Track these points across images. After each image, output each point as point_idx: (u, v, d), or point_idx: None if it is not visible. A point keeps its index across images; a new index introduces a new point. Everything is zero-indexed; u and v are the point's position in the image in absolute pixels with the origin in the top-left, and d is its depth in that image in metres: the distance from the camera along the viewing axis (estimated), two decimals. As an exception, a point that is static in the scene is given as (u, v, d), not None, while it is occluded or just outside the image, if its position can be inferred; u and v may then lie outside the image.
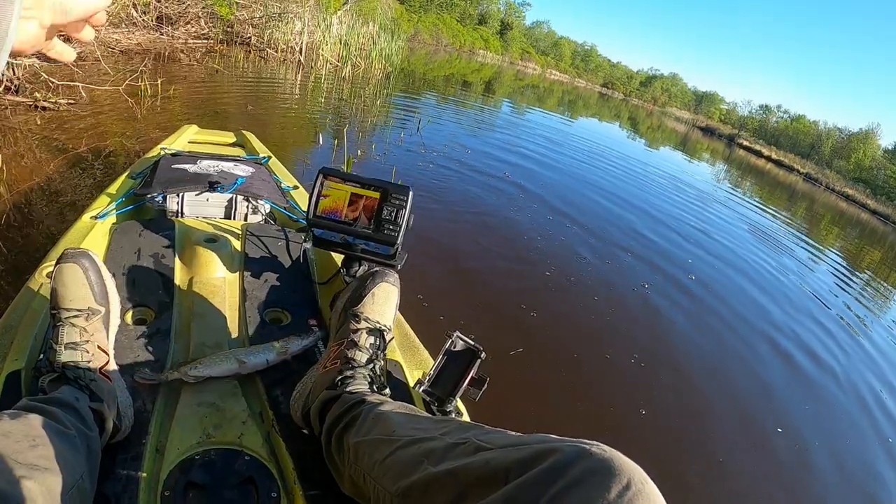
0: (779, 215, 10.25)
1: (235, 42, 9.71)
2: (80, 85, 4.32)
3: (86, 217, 1.40)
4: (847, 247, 10.24)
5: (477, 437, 0.62)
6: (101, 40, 5.53)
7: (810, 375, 3.18)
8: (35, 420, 0.67)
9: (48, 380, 0.80)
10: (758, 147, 41.39)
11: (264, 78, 7.71)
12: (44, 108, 3.75)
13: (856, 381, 3.33)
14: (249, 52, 9.58)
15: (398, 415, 0.77)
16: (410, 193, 1.09)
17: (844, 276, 6.89)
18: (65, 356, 0.82)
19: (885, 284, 7.44)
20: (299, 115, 5.75)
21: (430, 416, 0.78)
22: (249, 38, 10.01)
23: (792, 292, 4.74)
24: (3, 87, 3.74)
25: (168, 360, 1.01)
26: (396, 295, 0.99)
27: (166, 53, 7.23)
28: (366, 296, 0.95)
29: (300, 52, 10.31)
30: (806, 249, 7.52)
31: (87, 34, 0.50)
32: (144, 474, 0.80)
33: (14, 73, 3.86)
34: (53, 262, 0.92)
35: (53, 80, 4.12)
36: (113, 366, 0.88)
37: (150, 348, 1.03)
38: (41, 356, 0.91)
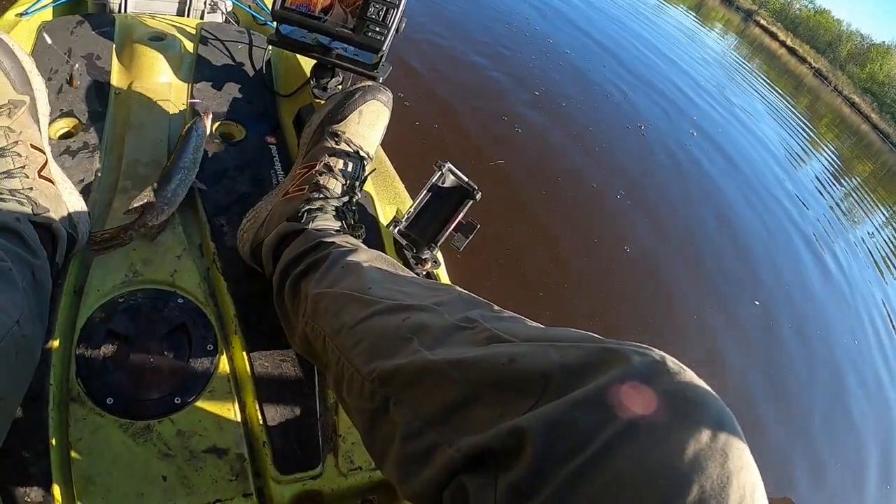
0: (783, 99, 9.92)
1: None
2: None
3: (9, 14, 1.16)
4: (843, 150, 10.11)
5: (487, 320, 0.45)
6: None
7: (796, 252, 3.18)
8: None
9: None
10: (775, 29, 39.44)
11: None
12: None
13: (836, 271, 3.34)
14: None
15: (376, 269, 0.60)
16: None
17: (836, 173, 6.84)
18: None
19: (871, 196, 7.42)
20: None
21: (416, 277, 0.61)
22: None
23: (788, 174, 4.67)
24: None
25: (94, 179, 0.84)
26: (387, 118, 0.80)
27: None
28: (351, 113, 0.77)
29: None
30: (805, 136, 7.37)
31: None
32: (58, 322, 0.66)
33: None
34: None
35: None
36: (54, 165, 0.71)
37: (74, 166, 0.85)
38: None
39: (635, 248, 2.20)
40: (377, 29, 0.84)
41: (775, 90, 9.96)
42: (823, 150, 8.19)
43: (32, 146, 0.67)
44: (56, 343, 0.65)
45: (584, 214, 2.25)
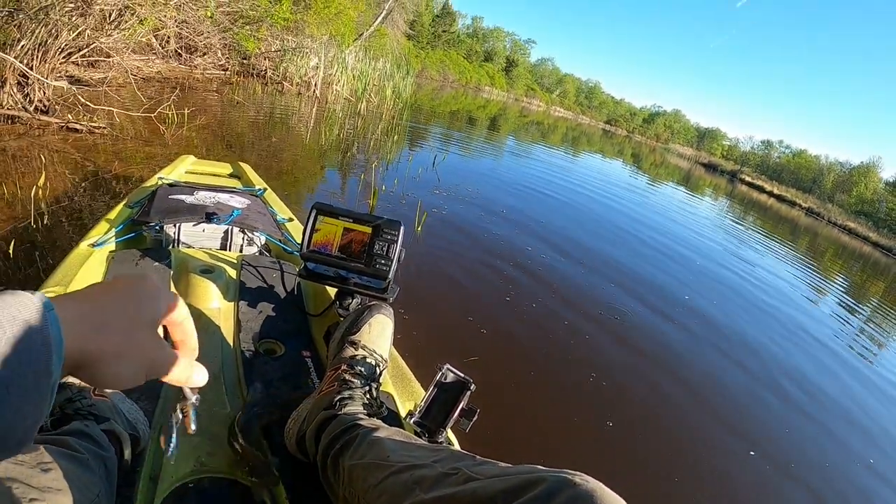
0: (784, 248, 10.31)
1: (251, 74, 9.93)
2: (115, 110, 4.40)
3: (83, 245, 1.40)
4: (854, 279, 10.28)
5: (468, 467, 0.64)
6: (125, 66, 5.69)
7: (797, 401, 3.15)
8: (46, 449, 0.68)
9: (50, 420, 0.80)
10: (760, 182, 41.51)
11: (282, 110, 7.83)
12: (74, 130, 3.81)
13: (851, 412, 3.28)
14: (266, 84, 9.80)
15: (393, 441, 0.78)
16: (402, 229, 1.10)
17: (849, 306, 6.90)
18: (57, 398, 0.79)
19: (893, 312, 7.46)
20: (314, 149, 5.82)
21: (424, 443, 0.79)
22: (265, 70, 10.24)
23: (789, 323, 4.72)
24: (33, 106, 3.85)
25: (161, 390, 1.01)
26: (391, 326, 1.02)
27: (185, 83, 7.38)
28: (362, 325, 0.99)
29: (315, 87, 10.53)
30: (810, 282, 7.52)
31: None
32: (138, 502, 0.80)
33: (45, 94, 3.96)
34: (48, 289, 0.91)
35: (88, 103, 4.24)
36: None
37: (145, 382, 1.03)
38: None
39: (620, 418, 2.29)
40: (382, 261, 1.09)
41: (774, 239, 10.41)
42: (835, 282, 8.43)
43: None
44: None
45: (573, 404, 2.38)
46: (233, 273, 1.38)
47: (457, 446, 1.02)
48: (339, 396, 0.91)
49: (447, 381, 0.96)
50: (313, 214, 1.13)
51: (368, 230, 1.10)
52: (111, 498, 0.74)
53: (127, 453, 0.82)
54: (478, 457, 0.68)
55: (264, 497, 0.86)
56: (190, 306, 1.24)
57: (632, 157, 25.93)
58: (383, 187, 4.65)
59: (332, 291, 1.31)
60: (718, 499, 2.04)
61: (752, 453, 2.40)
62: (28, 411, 0.34)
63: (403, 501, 0.63)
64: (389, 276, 1.08)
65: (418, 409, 0.96)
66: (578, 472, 0.54)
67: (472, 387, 0.93)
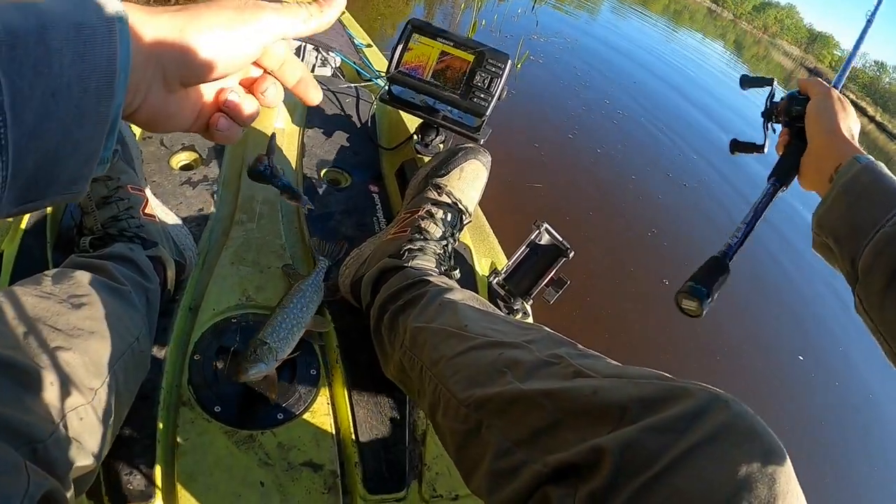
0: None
1: None
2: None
3: None
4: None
5: (571, 357, 0.50)
6: None
7: None
8: (83, 277, 0.57)
9: (89, 240, 0.69)
10: (863, 104, 37.90)
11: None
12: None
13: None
14: None
15: (471, 308, 0.65)
16: (509, 62, 0.93)
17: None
18: (100, 215, 0.70)
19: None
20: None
21: (506, 317, 0.66)
22: None
23: None
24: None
25: (212, 210, 0.93)
26: (485, 177, 0.87)
27: None
28: (453, 169, 0.84)
29: None
30: None
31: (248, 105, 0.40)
32: (174, 334, 0.73)
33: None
34: None
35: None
36: (154, 201, 0.78)
37: (194, 196, 0.94)
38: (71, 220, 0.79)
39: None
40: (482, 95, 0.92)
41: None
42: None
43: (132, 188, 0.73)
44: (170, 352, 0.71)
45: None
46: None
47: (531, 320, 0.90)
48: (409, 246, 0.78)
49: (541, 242, 0.82)
50: (408, 31, 0.95)
51: (470, 58, 0.93)
52: (151, 334, 0.65)
53: (171, 282, 0.73)
54: (579, 345, 0.54)
55: (313, 343, 0.79)
56: (251, 126, 1.13)
57: (733, 44, 23.75)
58: (483, 22, 4.29)
59: (410, 125, 1.17)
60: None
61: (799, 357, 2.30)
62: (80, 138, 0.28)
63: (491, 386, 0.51)
64: (486, 114, 0.91)
65: (504, 269, 0.84)
66: (724, 391, 0.41)
67: (571, 254, 0.80)
